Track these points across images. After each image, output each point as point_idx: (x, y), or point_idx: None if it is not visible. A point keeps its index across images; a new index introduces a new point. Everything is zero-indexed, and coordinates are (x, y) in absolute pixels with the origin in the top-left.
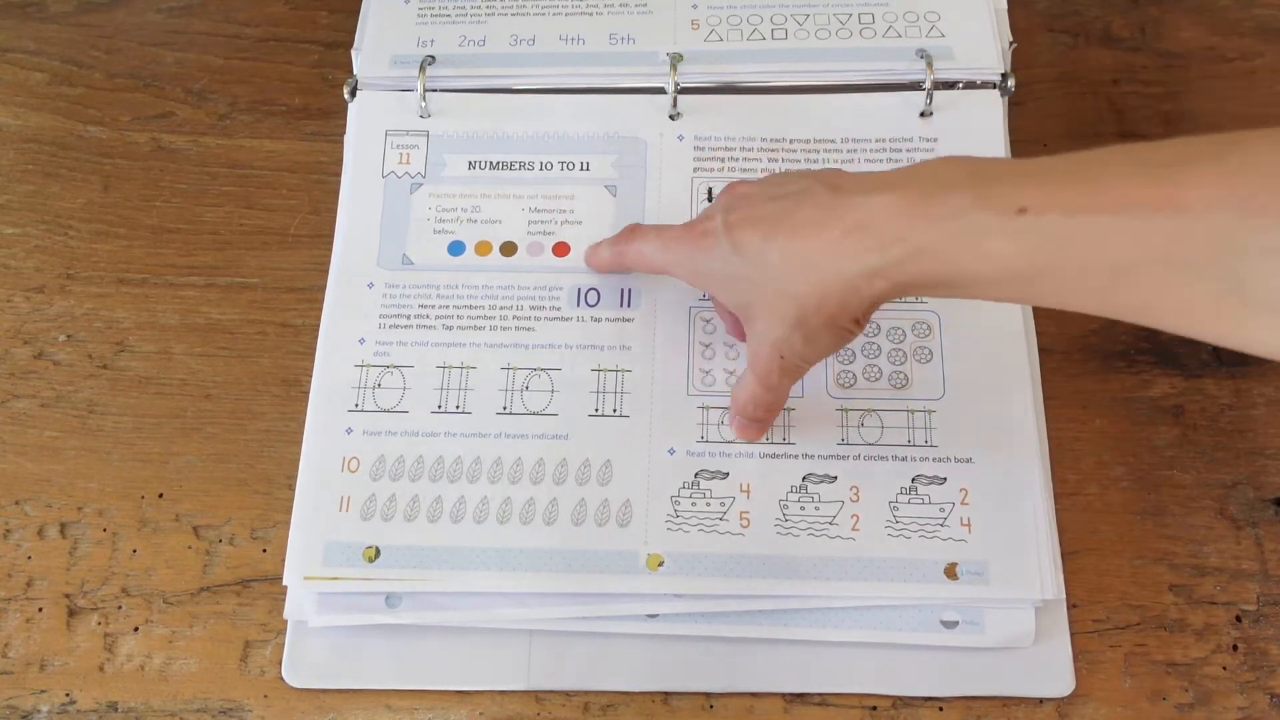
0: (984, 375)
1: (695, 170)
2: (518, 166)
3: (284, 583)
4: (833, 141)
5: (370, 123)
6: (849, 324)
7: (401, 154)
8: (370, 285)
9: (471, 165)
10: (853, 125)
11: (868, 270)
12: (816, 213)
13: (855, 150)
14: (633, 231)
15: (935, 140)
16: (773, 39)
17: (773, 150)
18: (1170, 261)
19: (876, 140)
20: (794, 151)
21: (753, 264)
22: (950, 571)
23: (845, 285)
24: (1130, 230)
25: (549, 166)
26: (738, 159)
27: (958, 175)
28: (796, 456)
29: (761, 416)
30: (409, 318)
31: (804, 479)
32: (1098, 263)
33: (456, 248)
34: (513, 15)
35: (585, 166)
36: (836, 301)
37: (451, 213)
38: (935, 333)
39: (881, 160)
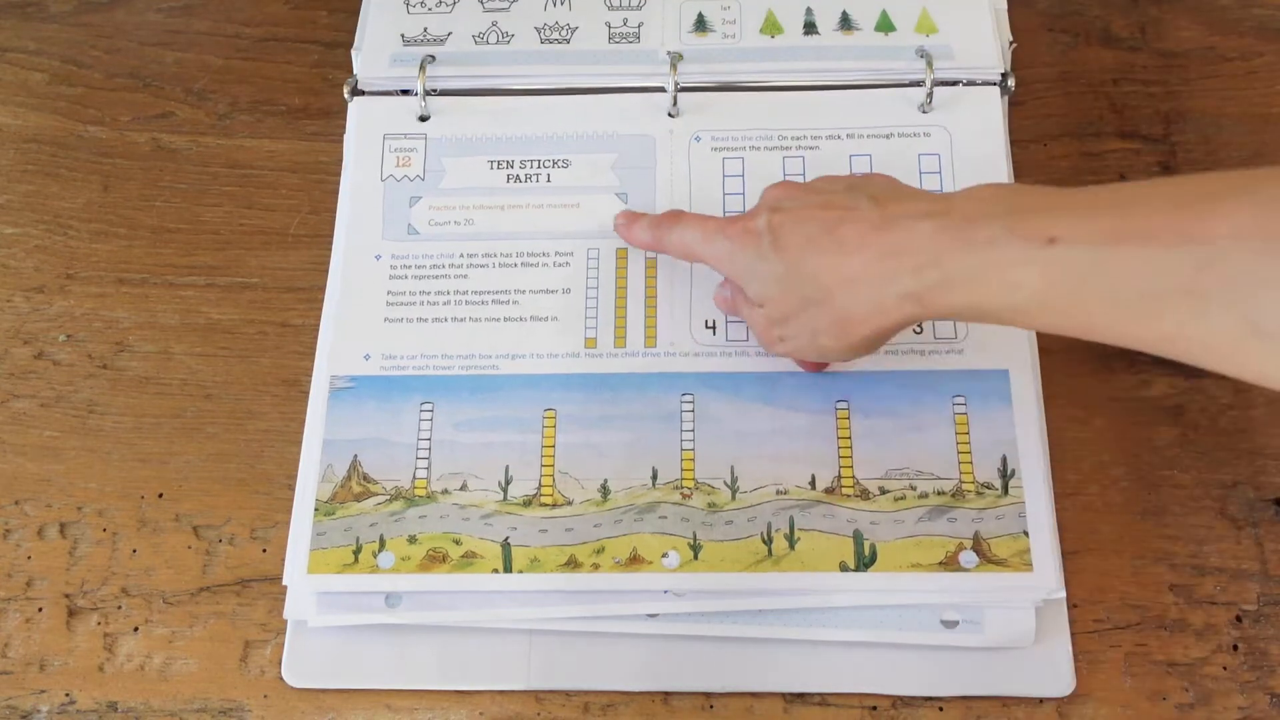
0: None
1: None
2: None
3: (284, 583)
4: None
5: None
6: (863, 342)
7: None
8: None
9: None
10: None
11: (900, 294)
12: (860, 229)
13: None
14: (675, 218)
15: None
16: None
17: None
18: (1194, 292)
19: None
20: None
21: (790, 268)
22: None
23: (877, 306)
24: (1156, 260)
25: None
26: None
27: (995, 204)
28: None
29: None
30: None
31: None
32: (1124, 293)
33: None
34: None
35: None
36: (862, 320)
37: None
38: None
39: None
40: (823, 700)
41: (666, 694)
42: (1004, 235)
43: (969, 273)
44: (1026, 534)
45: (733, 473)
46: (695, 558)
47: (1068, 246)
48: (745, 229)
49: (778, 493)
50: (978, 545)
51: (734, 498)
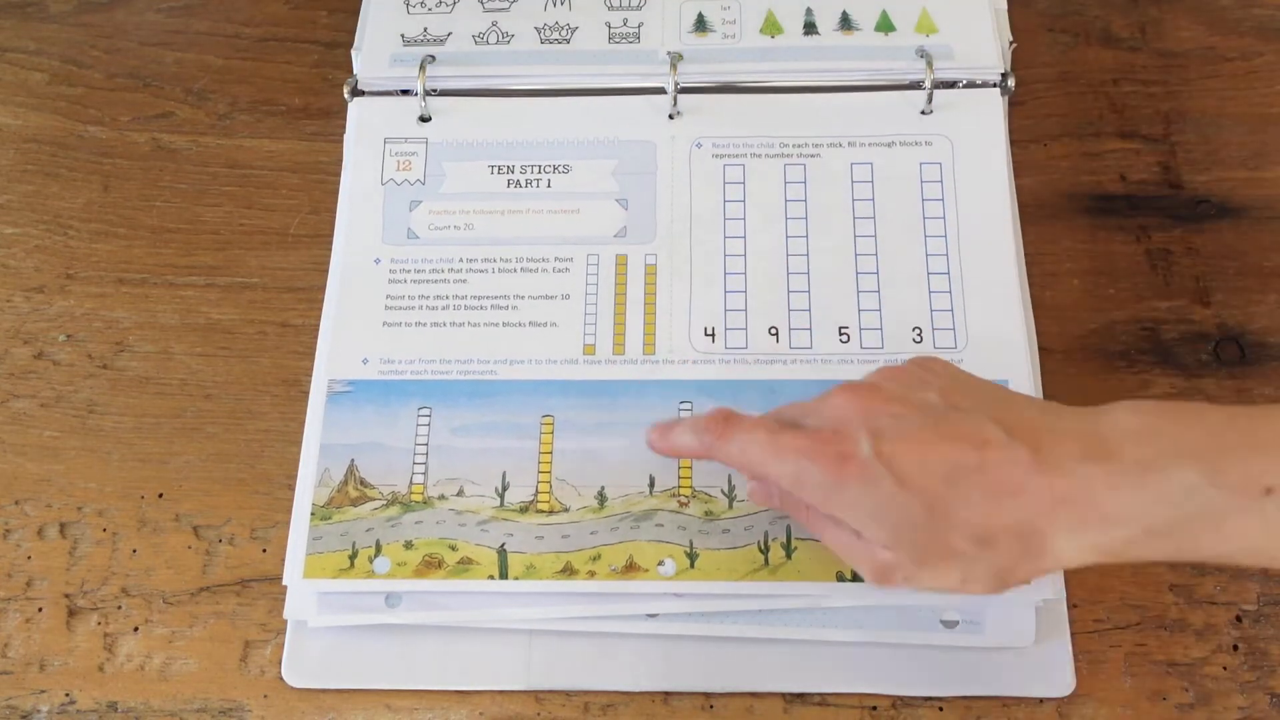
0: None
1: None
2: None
3: (284, 583)
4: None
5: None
6: (1018, 584)
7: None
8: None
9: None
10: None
11: (1084, 546)
12: (1014, 472)
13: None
14: (728, 423)
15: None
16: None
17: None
18: None
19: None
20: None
21: (928, 509)
22: None
23: (1053, 559)
24: None
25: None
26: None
27: (1167, 442)
28: None
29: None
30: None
31: None
32: None
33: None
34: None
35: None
36: (1034, 570)
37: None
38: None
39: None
40: (823, 700)
41: (666, 694)
42: (1206, 485)
43: (1169, 526)
44: None
45: (730, 481)
46: (691, 566)
47: None
48: (842, 456)
49: None
50: None
51: (731, 506)
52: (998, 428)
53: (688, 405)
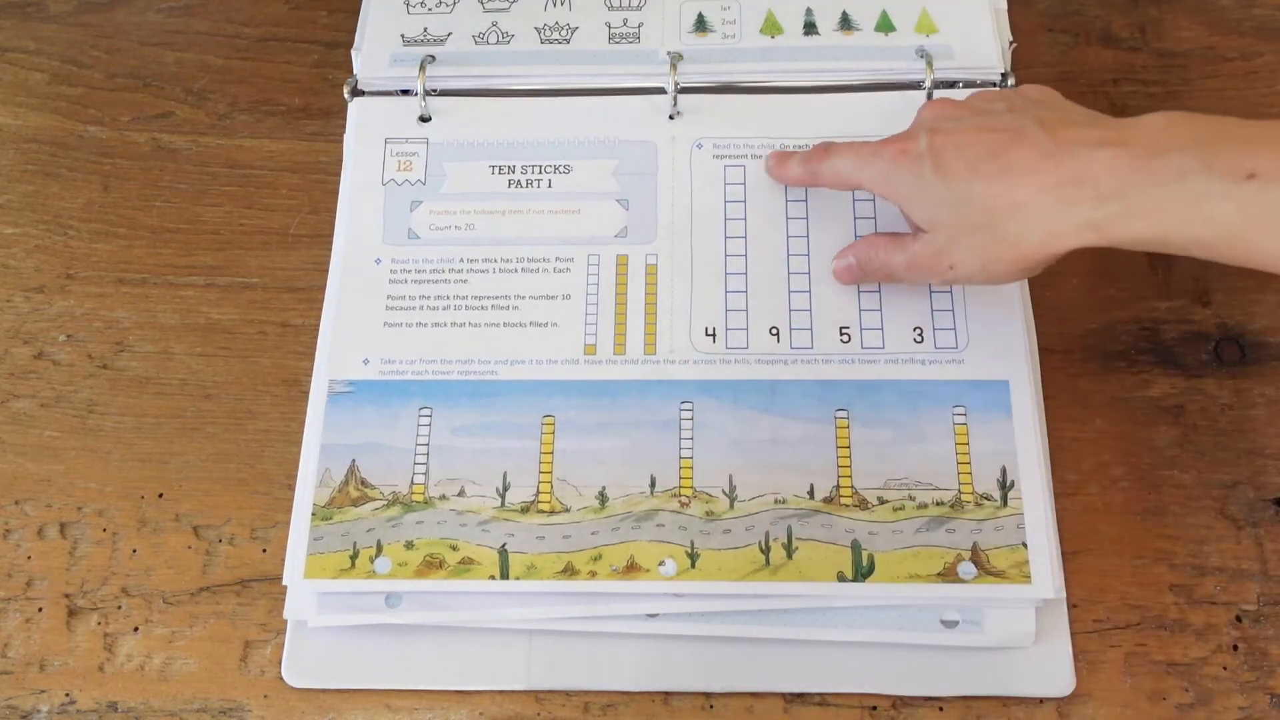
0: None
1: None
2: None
3: (284, 583)
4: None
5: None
6: (1034, 267)
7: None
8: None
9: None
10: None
11: (1079, 223)
12: (1031, 155)
13: None
14: (826, 149)
15: None
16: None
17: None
18: None
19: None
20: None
21: (954, 191)
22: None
23: (1051, 233)
24: None
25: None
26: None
27: (1181, 135)
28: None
29: (872, 280)
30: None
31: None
32: None
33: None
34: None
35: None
36: (1036, 245)
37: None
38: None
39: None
40: (823, 700)
41: (666, 694)
42: (1196, 168)
43: (1156, 204)
44: (1025, 545)
45: (731, 481)
46: (692, 566)
47: (1267, 182)
48: (902, 150)
49: (776, 502)
50: (976, 556)
51: (732, 506)
52: (1034, 123)
53: (688, 405)
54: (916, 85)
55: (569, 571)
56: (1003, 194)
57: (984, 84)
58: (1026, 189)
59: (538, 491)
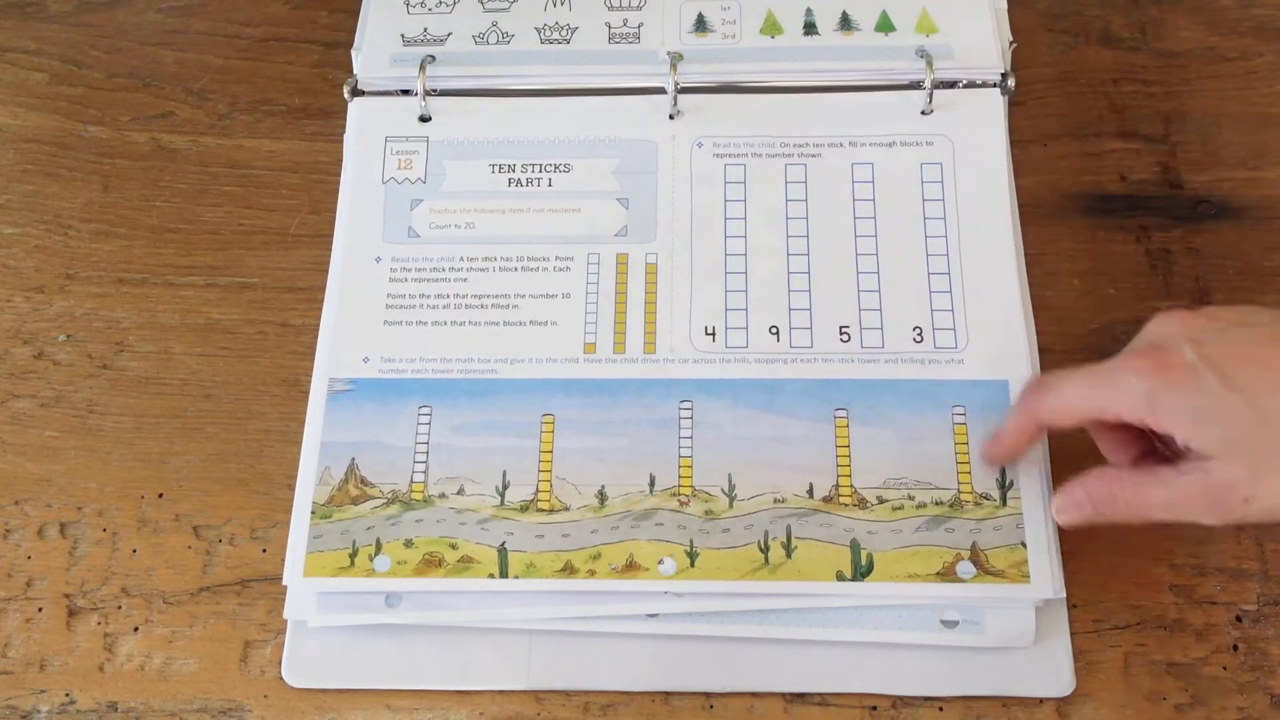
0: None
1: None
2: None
3: (284, 582)
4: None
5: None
6: None
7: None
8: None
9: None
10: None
11: None
12: None
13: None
14: (1040, 386)
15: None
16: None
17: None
18: None
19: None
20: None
21: (1256, 407)
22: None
23: None
24: None
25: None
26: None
27: None
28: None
29: (1111, 522)
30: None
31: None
32: None
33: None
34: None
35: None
36: None
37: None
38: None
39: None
40: (823, 700)
41: (666, 694)
42: None
43: None
44: (1024, 545)
45: (730, 480)
46: (691, 565)
47: None
48: (1164, 364)
49: (775, 501)
50: (975, 556)
51: (731, 505)
52: None
53: (688, 404)
54: (917, 85)
55: (568, 570)
56: None
57: (984, 83)
58: None
59: (537, 490)
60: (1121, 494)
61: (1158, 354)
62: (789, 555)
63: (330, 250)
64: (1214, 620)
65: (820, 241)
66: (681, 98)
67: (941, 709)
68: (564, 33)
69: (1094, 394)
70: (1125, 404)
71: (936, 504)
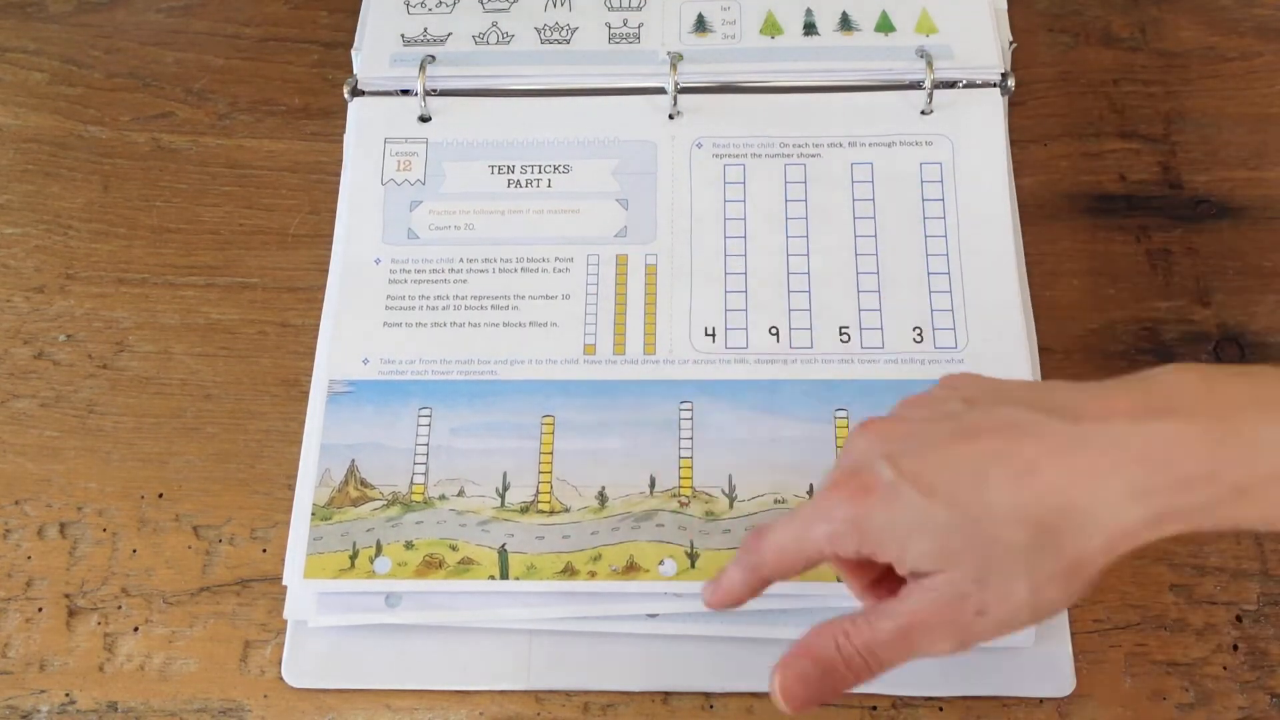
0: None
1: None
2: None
3: (284, 583)
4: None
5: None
6: (1091, 581)
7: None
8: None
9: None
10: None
11: (1158, 514)
12: (1057, 444)
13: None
14: (756, 537)
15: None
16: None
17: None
18: None
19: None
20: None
21: (967, 513)
22: None
23: (1121, 532)
24: None
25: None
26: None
27: (1242, 396)
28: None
29: (843, 689)
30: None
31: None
32: None
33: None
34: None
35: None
36: (1100, 549)
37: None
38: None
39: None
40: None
41: (666, 694)
42: None
43: (1265, 487)
44: None
45: (730, 481)
46: (692, 566)
47: None
48: (864, 487)
49: (776, 502)
50: None
51: (732, 506)
52: (1028, 410)
53: (688, 405)
54: (916, 85)
55: (569, 571)
56: (1038, 496)
57: (984, 83)
58: (1073, 485)
59: (537, 491)
60: (847, 643)
61: (855, 478)
62: None
63: (330, 250)
64: (1214, 620)
65: (820, 242)
66: (681, 98)
67: (941, 709)
68: (564, 33)
69: (807, 533)
70: (836, 538)
71: None
